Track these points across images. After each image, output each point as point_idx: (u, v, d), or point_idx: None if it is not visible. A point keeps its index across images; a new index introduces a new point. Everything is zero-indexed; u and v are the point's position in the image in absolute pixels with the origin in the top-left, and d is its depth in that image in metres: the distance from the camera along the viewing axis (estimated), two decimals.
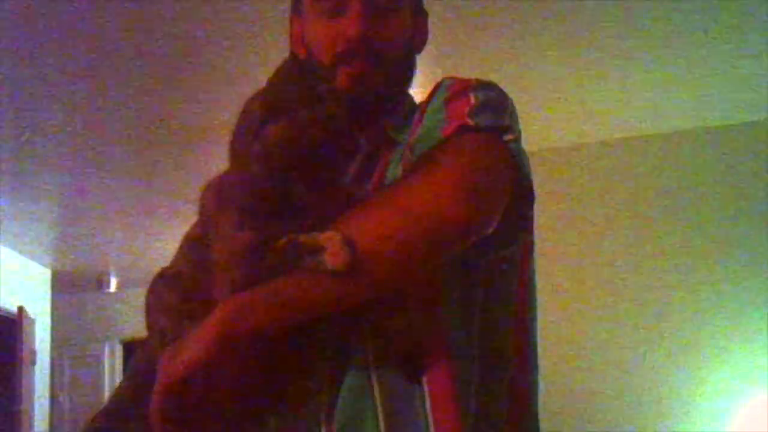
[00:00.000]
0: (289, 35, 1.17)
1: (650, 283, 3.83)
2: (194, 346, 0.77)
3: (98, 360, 6.72)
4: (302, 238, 0.78)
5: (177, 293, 0.89)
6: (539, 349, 1.00)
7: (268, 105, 0.84)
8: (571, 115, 3.81)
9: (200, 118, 3.69)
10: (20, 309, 5.36)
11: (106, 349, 6.78)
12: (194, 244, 0.92)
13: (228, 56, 3.13)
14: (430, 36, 1.15)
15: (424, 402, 0.87)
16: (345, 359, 0.89)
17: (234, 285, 0.80)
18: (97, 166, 4.21)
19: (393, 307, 0.86)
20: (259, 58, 3.05)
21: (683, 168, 3.95)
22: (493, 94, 0.98)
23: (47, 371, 5.75)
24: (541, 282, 1.04)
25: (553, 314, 3.45)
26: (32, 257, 5.63)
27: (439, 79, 1.04)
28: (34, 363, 5.51)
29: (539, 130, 3.77)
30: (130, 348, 6.85)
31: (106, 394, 6.67)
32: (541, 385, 0.99)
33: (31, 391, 5.47)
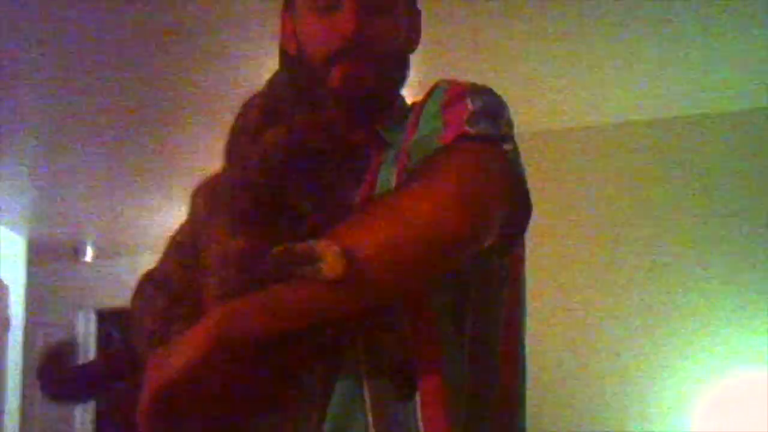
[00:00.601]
0: (280, 31, 1.15)
1: (653, 275, 3.75)
2: (185, 349, 0.76)
3: (72, 329, 6.70)
4: (298, 246, 0.77)
5: (165, 295, 0.89)
6: (528, 349, 1.01)
7: (267, 109, 0.83)
8: (571, 98, 3.76)
9: (180, 90, 3.68)
10: None
11: (80, 318, 6.77)
12: (183, 246, 0.91)
13: (208, 29, 3.13)
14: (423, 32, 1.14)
15: (414, 410, 0.87)
16: (337, 367, 0.89)
17: (227, 291, 0.79)
18: (74, 134, 4.17)
19: (387, 318, 0.85)
20: (240, 32, 3.06)
21: (686, 154, 3.86)
22: (489, 100, 0.98)
23: (20, 339, 5.74)
24: (531, 273, 1.04)
25: (543, 310, 3.38)
26: (7, 225, 5.59)
27: (428, 78, 1.04)
28: (7, 330, 5.51)
29: (537, 113, 3.74)
30: (103, 317, 6.85)
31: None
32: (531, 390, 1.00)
33: (4, 357, 5.47)
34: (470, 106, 0.94)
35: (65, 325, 6.63)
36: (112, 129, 4.17)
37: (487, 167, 0.90)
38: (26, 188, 5.12)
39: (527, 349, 1.01)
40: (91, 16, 3.00)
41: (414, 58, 1.12)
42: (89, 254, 6.37)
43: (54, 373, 1.00)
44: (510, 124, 0.98)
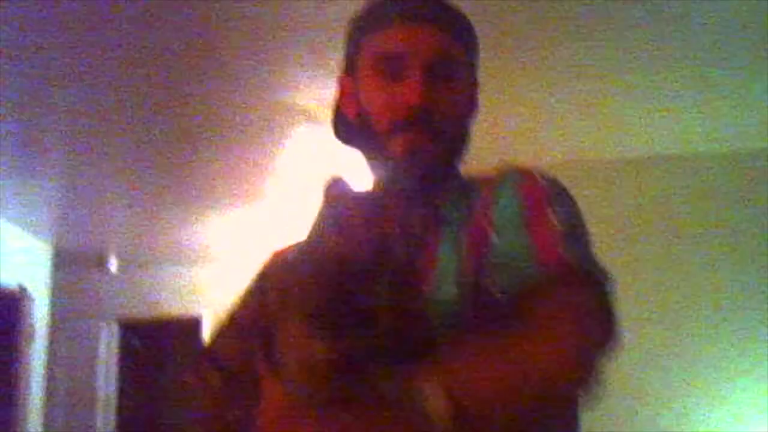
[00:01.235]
0: (337, 95, 1.12)
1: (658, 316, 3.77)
2: None
3: (95, 339, 6.74)
4: (403, 384, 0.76)
5: (221, 375, 0.87)
6: None
7: (361, 211, 0.81)
8: (588, 132, 3.78)
9: (205, 108, 3.71)
10: (20, 286, 5.38)
11: (103, 329, 6.80)
12: (244, 330, 0.89)
13: (233, 49, 3.15)
14: None
15: None
16: None
17: (314, 399, 0.78)
18: (101, 145, 4.20)
19: None
20: (266, 55, 3.08)
21: (697, 191, 3.91)
22: (572, 212, 0.96)
23: (43, 348, 5.77)
24: None
25: None
26: (34, 234, 5.64)
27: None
28: (32, 341, 5.54)
29: (553, 145, 3.75)
30: (126, 328, 6.88)
31: (99, 372, 6.69)
32: None
33: (28, 366, 5.49)
34: (558, 226, 0.92)
35: (89, 335, 6.67)
36: (139, 142, 4.20)
37: (598, 314, 0.89)
38: (52, 197, 5.16)
39: None
40: (123, 36, 3.04)
41: None
42: (114, 264, 6.41)
43: None
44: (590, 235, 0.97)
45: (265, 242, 4.68)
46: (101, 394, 6.66)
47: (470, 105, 1.09)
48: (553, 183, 0.99)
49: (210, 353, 0.91)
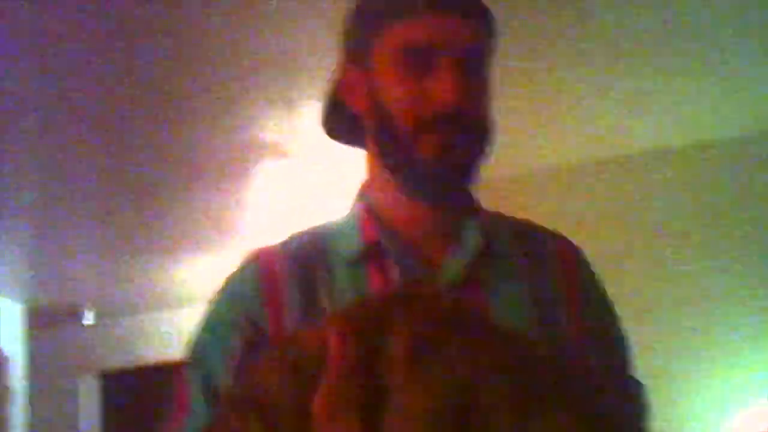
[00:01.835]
0: (338, 85, 1.04)
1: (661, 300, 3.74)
2: None
3: (75, 394, 6.62)
4: None
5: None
6: None
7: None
8: (581, 130, 3.70)
9: (177, 151, 3.69)
10: None
11: (83, 382, 6.69)
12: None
13: (209, 90, 3.15)
14: None
15: None
16: None
17: None
18: (70, 197, 4.17)
19: None
20: (240, 94, 3.08)
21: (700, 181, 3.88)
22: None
23: (24, 407, 5.66)
24: None
25: None
26: (5, 293, 5.55)
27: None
28: (9, 402, 5.43)
29: (552, 145, 3.71)
30: (107, 379, 6.76)
31: (83, 427, 6.57)
32: None
33: (9, 429, 5.38)
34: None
35: (68, 390, 6.55)
36: (108, 190, 4.16)
37: None
38: (22, 256, 5.09)
39: None
40: (88, 80, 3.02)
41: None
42: (90, 317, 6.32)
43: None
44: None
45: None
46: None
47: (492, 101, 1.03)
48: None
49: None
